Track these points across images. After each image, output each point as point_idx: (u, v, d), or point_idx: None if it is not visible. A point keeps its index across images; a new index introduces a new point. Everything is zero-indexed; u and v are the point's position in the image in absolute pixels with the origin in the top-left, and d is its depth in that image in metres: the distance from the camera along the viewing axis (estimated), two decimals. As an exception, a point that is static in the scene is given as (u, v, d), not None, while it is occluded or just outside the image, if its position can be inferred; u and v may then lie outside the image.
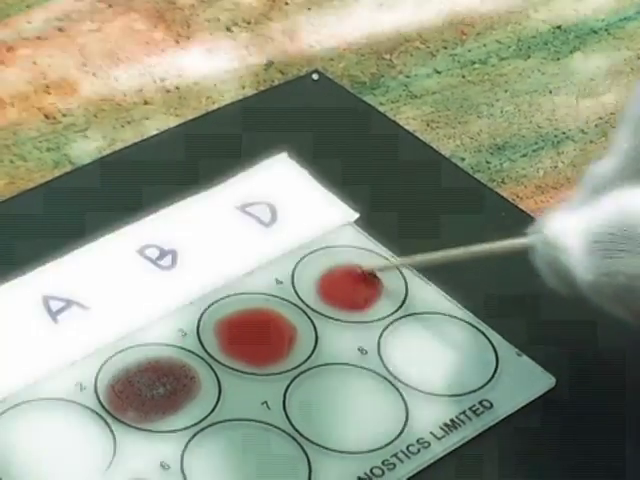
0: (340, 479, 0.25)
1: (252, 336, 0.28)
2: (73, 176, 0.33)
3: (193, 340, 0.28)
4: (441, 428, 0.26)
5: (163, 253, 0.30)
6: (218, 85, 0.39)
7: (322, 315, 0.29)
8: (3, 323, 0.27)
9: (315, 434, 0.26)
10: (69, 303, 0.28)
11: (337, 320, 0.29)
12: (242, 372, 0.27)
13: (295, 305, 0.29)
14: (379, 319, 0.29)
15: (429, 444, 0.26)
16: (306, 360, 0.28)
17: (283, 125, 0.35)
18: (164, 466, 0.24)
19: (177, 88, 0.38)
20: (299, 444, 0.25)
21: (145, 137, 0.35)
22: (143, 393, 0.26)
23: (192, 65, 0.39)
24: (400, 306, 0.30)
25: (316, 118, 0.36)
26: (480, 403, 0.27)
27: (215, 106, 0.38)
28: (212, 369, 0.27)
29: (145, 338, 0.27)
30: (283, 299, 0.29)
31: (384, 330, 0.29)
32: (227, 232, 0.31)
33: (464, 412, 0.27)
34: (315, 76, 0.38)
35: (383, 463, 0.25)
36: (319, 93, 0.37)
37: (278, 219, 0.32)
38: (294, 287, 0.30)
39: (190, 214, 0.32)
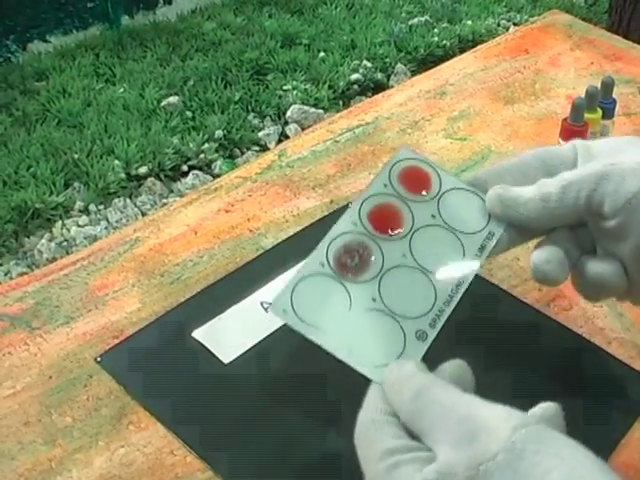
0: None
1: (386, 220, 0.49)
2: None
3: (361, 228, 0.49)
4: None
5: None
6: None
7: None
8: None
9: (430, 264, 0.48)
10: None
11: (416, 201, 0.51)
12: (385, 239, 0.48)
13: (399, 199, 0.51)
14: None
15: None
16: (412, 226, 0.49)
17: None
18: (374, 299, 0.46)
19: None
20: (426, 275, 0.47)
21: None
22: (349, 264, 0.47)
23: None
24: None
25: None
26: None
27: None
28: (375, 242, 0.48)
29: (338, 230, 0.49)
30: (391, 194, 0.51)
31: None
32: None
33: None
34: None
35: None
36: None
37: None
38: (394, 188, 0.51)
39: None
